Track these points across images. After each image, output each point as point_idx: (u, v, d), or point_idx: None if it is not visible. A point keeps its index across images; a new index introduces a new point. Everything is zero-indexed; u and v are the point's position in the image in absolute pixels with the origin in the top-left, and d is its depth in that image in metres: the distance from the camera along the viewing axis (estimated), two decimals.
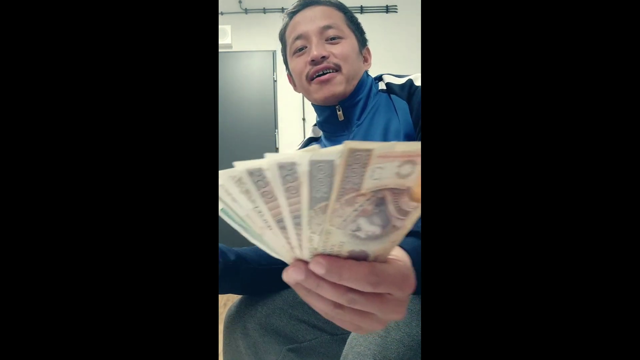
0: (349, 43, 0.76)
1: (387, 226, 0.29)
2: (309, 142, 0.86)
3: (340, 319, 0.33)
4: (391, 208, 0.28)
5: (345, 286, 0.30)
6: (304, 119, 3.44)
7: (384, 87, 0.81)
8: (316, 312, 0.33)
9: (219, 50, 3.37)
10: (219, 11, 3.42)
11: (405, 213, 0.28)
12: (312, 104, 0.81)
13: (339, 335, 0.73)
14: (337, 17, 0.78)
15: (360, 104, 0.77)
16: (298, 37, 0.76)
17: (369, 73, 0.84)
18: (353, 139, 0.72)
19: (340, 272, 0.30)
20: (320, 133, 0.85)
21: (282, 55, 0.86)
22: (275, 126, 3.39)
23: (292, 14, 0.79)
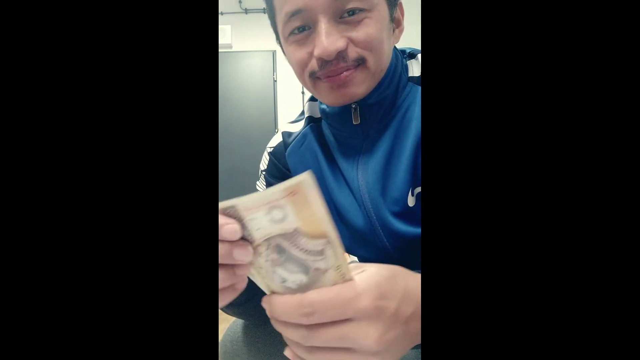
0: (378, 16, 0.47)
1: (309, 271, 0.29)
2: (308, 122, 0.64)
3: None
4: (295, 252, 0.28)
5: (294, 323, 0.29)
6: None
7: (419, 73, 0.56)
8: None
9: (219, 50, 3.38)
10: (219, 11, 3.42)
11: (316, 253, 0.28)
12: None
13: None
14: None
15: (386, 102, 0.53)
16: (295, 13, 0.47)
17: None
18: (371, 148, 0.55)
19: (275, 308, 0.30)
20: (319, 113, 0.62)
21: (270, 21, 0.55)
22: (275, 126, 3.39)
23: None
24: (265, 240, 0.28)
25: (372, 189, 0.54)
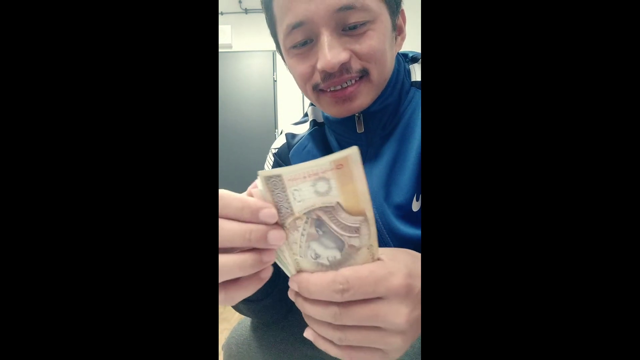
0: (380, 27, 0.47)
1: (344, 247, 0.29)
2: (313, 126, 0.63)
3: (350, 350, 0.31)
4: (334, 227, 0.28)
5: (325, 301, 0.29)
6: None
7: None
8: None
9: (219, 50, 3.38)
10: (219, 11, 3.42)
11: (353, 230, 0.28)
12: None
13: None
14: None
15: (389, 109, 0.53)
16: (297, 25, 0.46)
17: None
18: (375, 155, 0.55)
19: (307, 286, 0.30)
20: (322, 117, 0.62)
21: (270, 30, 0.55)
22: (275, 126, 3.39)
23: None
24: (305, 213, 0.28)
25: (376, 195, 0.53)
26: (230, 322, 2.25)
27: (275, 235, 0.29)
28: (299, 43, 0.48)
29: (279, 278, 0.49)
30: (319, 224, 0.29)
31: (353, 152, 0.26)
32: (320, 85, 0.49)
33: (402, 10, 0.54)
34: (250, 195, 0.30)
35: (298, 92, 3.36)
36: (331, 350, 0.32)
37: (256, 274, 0.30)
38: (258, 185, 0.29)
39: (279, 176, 0.27)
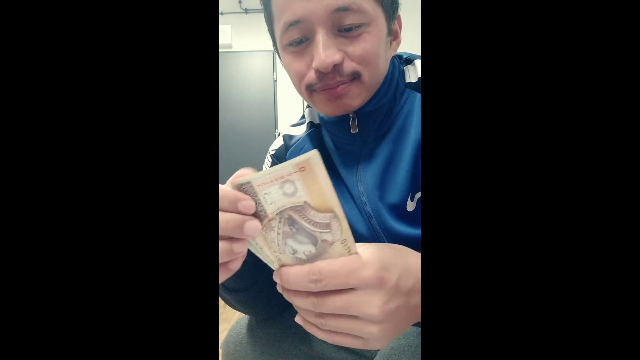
0: (375, 31, 0.48)
1: (317, 242, 0.32)
2: (310, 127, 0.64)
3: (333, 334, 0.34)
4: (305, 224, 0.31)
5: (304, 292, 0.32)
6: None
7: (416, 79, 0.56)
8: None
9: (219, 50, 3.38)
10: (219, 11, 3.42)
11: (323, 225, 0.31)
12: None
13: None
14: None
15: (383, 110, 0.54)
16: (294, 23, 0.47)
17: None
18: (369, 155, 0.55)
19: (287, 277, 0.32)
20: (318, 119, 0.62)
21: (268, 27, 0.56)
22: (275, 126, 3.39)
23: None
24: (278, 213, 0.31)
25: (371, 194, 0.54)
26: (230, 322, 2.25)
27: (251, 225, 0.31)
28: (294, 41, 0.49)
29: (260, 272, 0.51)
30: (292, 222, 0.31)
31: (313, 154, 0.28)
32: (314, 86, 0.50)
33: (399, 15, 0.55)
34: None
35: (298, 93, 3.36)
36: (317, 333, 0.34)
37: (225, 263, 0.32)
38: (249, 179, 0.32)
39: (248, 183, 0.30)
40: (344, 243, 0.32)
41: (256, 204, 0.30)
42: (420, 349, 0.49)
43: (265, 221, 0.31)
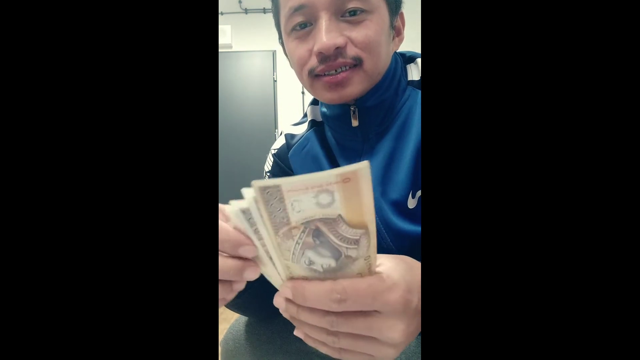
0: (378, 20, 0.49)
1: (340, 257, 0.29)
2: (311, 126, 0.64)
3: (342, 351, 0.31)
4: (332, 237, 0.28)
5: (322, 310, 0.30)
6: (303, 92, 3.37)
7: (419, 77, 0.57)
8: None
9: (219, 50, 3.38)
10: (219, 11, 3.42)
11: (352, 241, 0.28)
12: None
13: None
14: None
15: (385, 105, 0.54)
16: (298, 8, 0.49)
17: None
18: (371, 151, 0.55)
19: (303, 292, 0.30)
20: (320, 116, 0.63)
21: (274, 20, 0.58)
22: (275, 126, 3.39)
23: None
24: (303, 223, 0.28)
25: (373, 190, 0.54)
26: (230, 322, 2.24)
27: (250, 272, 0.30)
28: (298, 25, 0.50)
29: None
30: (318, 234, 0.28)
31: (364, 166, 0.25)
32: (316, 70, 0.50)
33: (402, 13, 0.57)
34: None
35: (298, 92, 3.36)
36: (323, 349, 0.32)
37: (223, 299, 0.32)
38: (232, 211, 0.29)
39: (277, 187, 0.26)
40: (367, 260, 0.29)
41: (278, 209, 0.27)
42: (418, 348, 0.50)
43: (284, 229, 0.28)
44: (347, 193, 0.26)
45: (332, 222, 0.28)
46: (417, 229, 0.52)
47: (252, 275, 0.30)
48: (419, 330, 0.33)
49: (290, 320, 0.32)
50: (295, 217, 0.28)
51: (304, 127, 0.66)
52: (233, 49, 3.47)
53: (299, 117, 0.70)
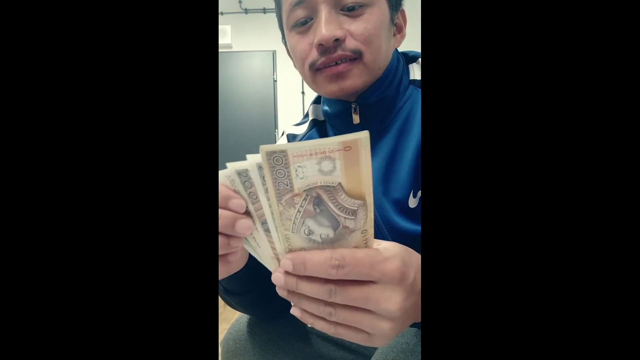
0: (377, 13, 0.51)
1: (338, 227, 0.30)
2: (313, 125, 0.64)
3: (338, 326, 0.32)
4: (331, 206, 0.29)
5: (321, 279, 0.30)
6: (303, 92, 3.37)
7: (420, 77, 0.57)
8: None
9: (219, 50, 3.38)
10: (219, 11, 3.42)
11: (350, 212, 0.29)
12: None
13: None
14: None
15: (386, 103, 0.55)
16: (298, 2, 0.50)
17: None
18: (372, 149, 0.54)
19: (303, 262, 0.30)
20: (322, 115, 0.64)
21: (277, 19, 0.59)
22: (275, 126, 3.39)
23: None
24: (306, 190, 0.29)
25: (374, 189, 0.54)
26: (230, 322, 2.24)
27: (242, 223, 0.31)
28: (299, 21, 0.52)
29: (260, 276, 0.50)
30: (318, 201, 0.29)
31: (363, 136, 0.26)
32: (317, 63, 0.51)
33: (404, 10, 0.57)
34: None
35: (298, 92, 3.36)
36: (318, 324, 0.33)
37: (224, 256, 0.33)
38: (223, 174, 0.31)
39: (283, 152, 0.27)
40: (364, 234, 0.30)
41: (283, 176, 0.28)
42: (418, 347, 0.50)
43: (287, 196, 0.29)
44: (347, 161, 0.27)
45: (332, 190, 0.28)
46: (418, 228, 0.52)
47: (244, 226, 0.31)
48: (417, 311, 0.33)
49: (288, 298, 0.33)
50: (298, 184, 0.28)
51: (305, 127, 0.66)
52: (233, 49, 3.47)
53: (299, 117, 0.70)
